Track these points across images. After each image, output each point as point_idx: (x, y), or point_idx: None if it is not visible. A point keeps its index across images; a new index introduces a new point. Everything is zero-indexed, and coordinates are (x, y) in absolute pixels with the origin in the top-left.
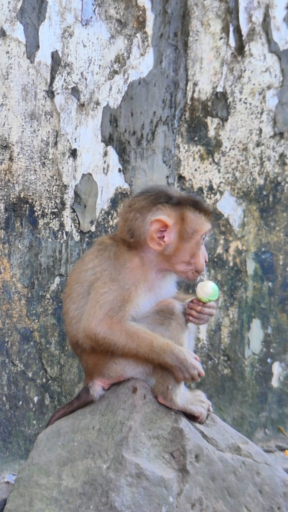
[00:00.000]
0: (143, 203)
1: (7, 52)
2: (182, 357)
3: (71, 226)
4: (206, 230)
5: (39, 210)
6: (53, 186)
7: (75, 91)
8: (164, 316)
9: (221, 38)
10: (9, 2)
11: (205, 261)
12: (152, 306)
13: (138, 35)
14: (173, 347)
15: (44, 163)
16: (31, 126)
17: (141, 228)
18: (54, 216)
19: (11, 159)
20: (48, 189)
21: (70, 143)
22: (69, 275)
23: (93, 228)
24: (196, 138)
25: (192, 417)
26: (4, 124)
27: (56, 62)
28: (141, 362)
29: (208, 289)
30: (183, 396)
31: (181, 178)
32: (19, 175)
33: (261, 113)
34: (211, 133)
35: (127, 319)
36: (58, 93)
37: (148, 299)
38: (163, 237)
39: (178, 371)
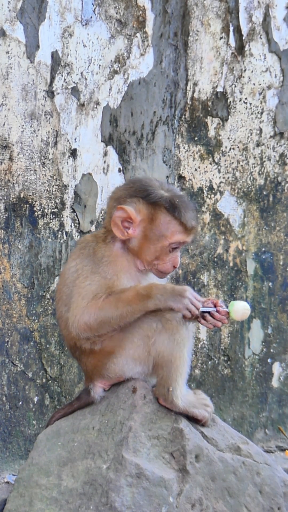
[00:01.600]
0: (121, 193)
1: (7, 52)
2: (169, 288)
3: (71, 226)
4: (177, 240)
5: (39, 210)
6: (53, 186)
7: (75, 91)
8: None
9: (221, 38)
10: (9, 2)
11: (174, 267)
12: None
13: (138, 35)
14: (155, 284)
15: (44, 163)
16: (31, 126)
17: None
18: (54, 216)
19: (11, 159)
20: (48, 189)
21: (70, 143)
22: (59, 279)
23: (93, 228)
24: (196, 138)
25: (194, 420)
26: (4, 124)
27: (56, 62)
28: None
29: (239, 311)
30: (185, 398)
31: (181, 178)
32: (19, 175)
33: (261, 113)
34: (211, 133)
35: (112, 293)
36: (58, 93)
37: None
38: (129, 228)
39: (174, 302)
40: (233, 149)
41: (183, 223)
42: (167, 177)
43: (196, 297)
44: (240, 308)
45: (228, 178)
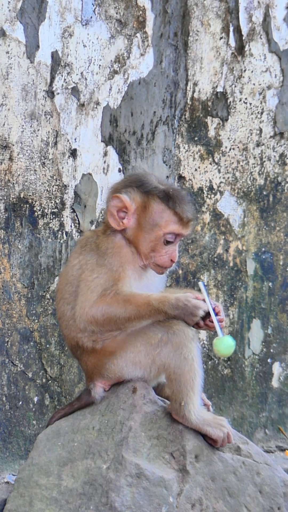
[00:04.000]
0: (117, 185)
1: (7, 52)
2: (181, 304)
3: (71, 226)
4: (171, 230)
5: (39, 210)
6: (53, 186)
7: (75, 91)
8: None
9: (221, 38)
10: (9, 2)
11: (172, 261)
12: None
13: (138, 35)
14: (170, 298)
15: (44, 163)
16: (31, 126)
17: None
18: (54, 216)
19: (11, 159)
20: (48, 189)
21: (70, 143)
22: (58, 280)
23: (93, 228)
24: (196, 138)
25: (210, 440)
26: (4, 124)
27: (56, 62)
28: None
29: (222, 347)
30: (198, 414)
31: (181, 178)
32: (19, 175)
33: (261, 113)
34: (211, 133)
35: (122, 291)
36: (58, 93)
37: (139, 284)
38: (124, 218)
39: (184, 318)
40: (233, 149)
41: (177, 213)
42: (167, 177)
43: (205, 310)
44: (224, 347)
45: (228, 178)
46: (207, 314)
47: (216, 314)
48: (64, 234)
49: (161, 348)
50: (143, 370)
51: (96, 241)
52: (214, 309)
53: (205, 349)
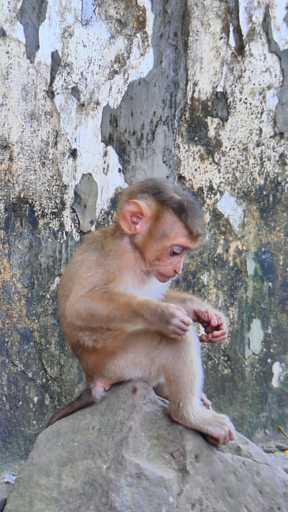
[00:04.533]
0: (134, 189)
1: (7, 52)
2: (159, 310)
3: (71, 226)
4: (179, 242)
5: (39, 210)
6: (53, 186)
7: (75, 91)
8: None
9: (221, 38)
10: (9, 2)
11: (175, 272)
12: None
13: (138, 35)
14: (150, 302)
15: (44, 163)
16: (31, 126)
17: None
18: (54, 216)
19: (11, 159)
20: (48, 189)
21: (70, 143)
22: (61, 277)
23: (93, 228)
24: (196, 138)
25: (212, 438)
26: (4, 124)
27: (56, 62)
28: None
29: None
30: (198, 414)
31: (181, 178)
32: (19, 175)
33: (261, 113)
34: (211, 133)
35: (110, 290)
36: (58, 93)
37: (138, 289)
38: (137, 223)
39: (161, 326)
40: (233, 149)
41: (188, 227)
42: (167, 177)
43: (184, 321)
44: None
45: (228, 178)
46: (212, 328)
47: (218, 327)
48: (64, 234)
49: (160, 350)
50: (143, 370)
51: (103, 241)
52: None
53: (205, 349)
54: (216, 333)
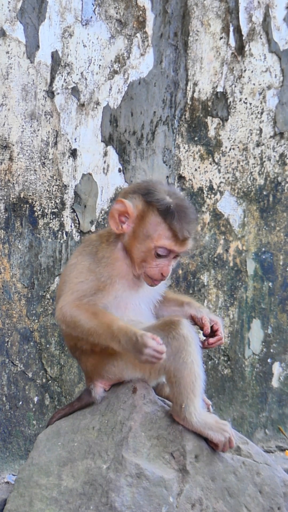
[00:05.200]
0: (127, 189)
1: (7, 52)
2: (134, 339)
3: (71, 226)
4: (162, 245)
5: (39, 210)
6: (53, 186)
7: (75, 91)
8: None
9: (221, 38)
10: (9, 2)
11: (162, 276)
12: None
13: (138, 35)
14: (129, 329)
15: (44, 163)
16: (31, 126)
17: None
18: (54, 216)
19: (11, 159)
20: (48, 189)
21: (70, 143)
22: (60, 278)
23: (93, 228)
24: (196, 138)
25: (212, 443)
26: (4, 124)
27: (56, 62)
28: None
29: None
30: (200, 417)
31: (181, 178)
32: (19, 175)
33: (261, 113)
34: (211, 133)
35: (97, 305)
36: (58, 93)
37: (129, 296)
38: (125, 223)
39: (134, 354)
40: (233, 149)
41: (172, 229)
42: (167, 177)
43: (157, 350)
44: None
45: (228, 178)
46: (206, 334)
47: (215, 332)
48: (64, 234)
49: None
50: (142, 372)
51: (98, 246)
52: (212, 327)
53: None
54: (210, 340)
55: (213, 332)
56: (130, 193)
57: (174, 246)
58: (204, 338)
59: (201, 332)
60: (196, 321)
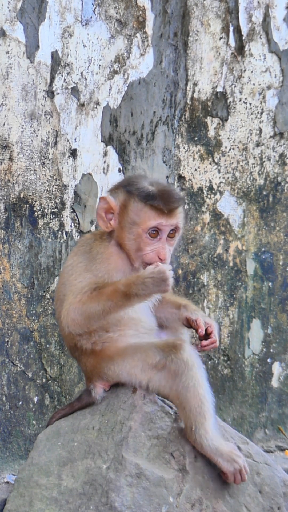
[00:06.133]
0: (112, 187)
1: (7, 52)
2: (148, 279)
3: (71, 226)
4: (149, 225)
5: (39, 210)
6: (53, 186)
7: (75, 91)
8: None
9: (221, 38)
10: (9, 2)
11: (160, 259)
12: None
13: (138, 35)
14: (132, 278)
15: (44, 163)
16: (31, 126)
17: None
18: (54, 216)
19: (11, 159)
20: (48, 189)
21: (70, 143)
22: (58, 279)
23: (93, 228)
24: (196, 138)
25: (222, 472)
26: (4, 124)
27: (56, 62)
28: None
29: None
30: (212, 442)
31: (181, 178)
32: (19, 175)
33: (261, 113)
34: (211, 133)
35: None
36: (58, 93)
37: None
38: (112, 219)
39: (158, 290)
40: (233, 149)
41: (154, 207)
42: (167, 177)
43: (164, 274)
44: None
45: (228, 178)
46: (200, 336)
47: (209, 335)
48: (64, 234)
49: (157, 372)
50: (138, 382)
51: (92, 244)
52: (206, 330)
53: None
54: (204, 342)
55: (207, 335)
56: (114, 189)
57: (160, 220)
58: (199, 339)
59: (197, 335)
60: (191, 323)
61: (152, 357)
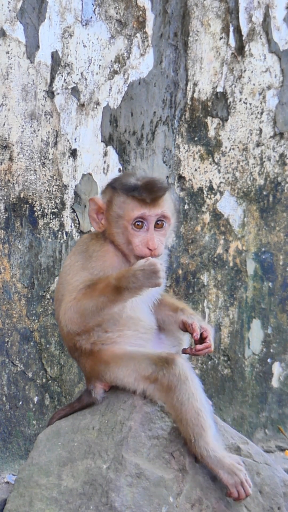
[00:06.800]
0: (104, 187)
1: (7, 52)
2: (138, 272)
3: (71, 226)
4: (133, 216)
5: (39, 210)
6: (53, 186)
7: (75, 91)
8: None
9: (221, 38)
10: (9, 2)
11: (150, 251)
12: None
13: (138, 35)
14: (123, 272)
15: (44, 163)
16: (31, 126)
17: None
18: (54, 216)
19: (11, 159)
20: (48, 189)
21: (70, 143)
22: (58, 279)
23: (92, 228)
24: (196, 138)
25: (227, 489)
26: (4, 124)
27: (56, 62)
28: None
29: None
30: (213, 453)
31: (181, 178)
32: (19, 175)
33: (261, 113)
34: (211, 133)
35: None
36: (58, 93)
37: None
38: (103, 219)
39: (149, 283)
40: (233, 149)
41: (136, 198)
42: (167, 177)
43: (154, 266)
44: None
45: (228, 178)
46: (195, 340)
47: (204, 339)
48: (64, 234)
49: (150, 384)
50: (133, 390)
51: (89, 243)
52: (201, 334)
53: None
54: (198, 346)
55: (202, 340)
56: (103, 189)
57: (143, 210)
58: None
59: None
60: (186, 327)
61: (145, 369)
